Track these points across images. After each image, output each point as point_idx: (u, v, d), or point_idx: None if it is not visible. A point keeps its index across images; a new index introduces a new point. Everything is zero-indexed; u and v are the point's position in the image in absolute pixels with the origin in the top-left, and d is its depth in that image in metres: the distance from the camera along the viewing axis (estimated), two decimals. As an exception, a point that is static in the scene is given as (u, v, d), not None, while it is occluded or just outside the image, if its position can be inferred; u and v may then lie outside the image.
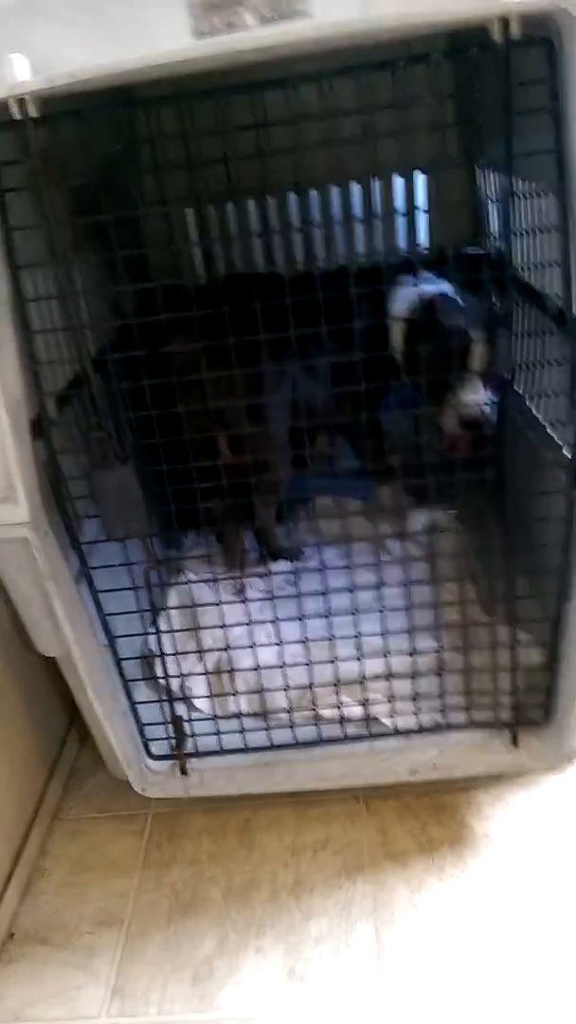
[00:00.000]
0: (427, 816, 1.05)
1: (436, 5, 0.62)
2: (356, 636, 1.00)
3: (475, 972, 0.86)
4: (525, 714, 1.03)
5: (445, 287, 1.19)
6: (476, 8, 0.63)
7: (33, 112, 0.72)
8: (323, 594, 1.01)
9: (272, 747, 1.08)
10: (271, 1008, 0.86)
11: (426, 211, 1.48)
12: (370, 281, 0.98)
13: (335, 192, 1.38)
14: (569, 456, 0.94)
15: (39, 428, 0.90)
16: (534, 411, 1.12)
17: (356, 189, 1.47)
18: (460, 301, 1.17)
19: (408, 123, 0.74)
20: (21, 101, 0.71)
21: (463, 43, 0.72)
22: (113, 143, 0.79)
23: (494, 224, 1.35)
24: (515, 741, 1.03)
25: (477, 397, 1.13)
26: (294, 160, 0.75)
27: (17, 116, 0.72)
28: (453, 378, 1.14)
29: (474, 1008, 0.83)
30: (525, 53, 0.67)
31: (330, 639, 1.00)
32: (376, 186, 1.50)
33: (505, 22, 0.63)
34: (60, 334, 0.93)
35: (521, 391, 1.18)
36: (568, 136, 0.72)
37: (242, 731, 1.07)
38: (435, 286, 1.20)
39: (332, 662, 1.02)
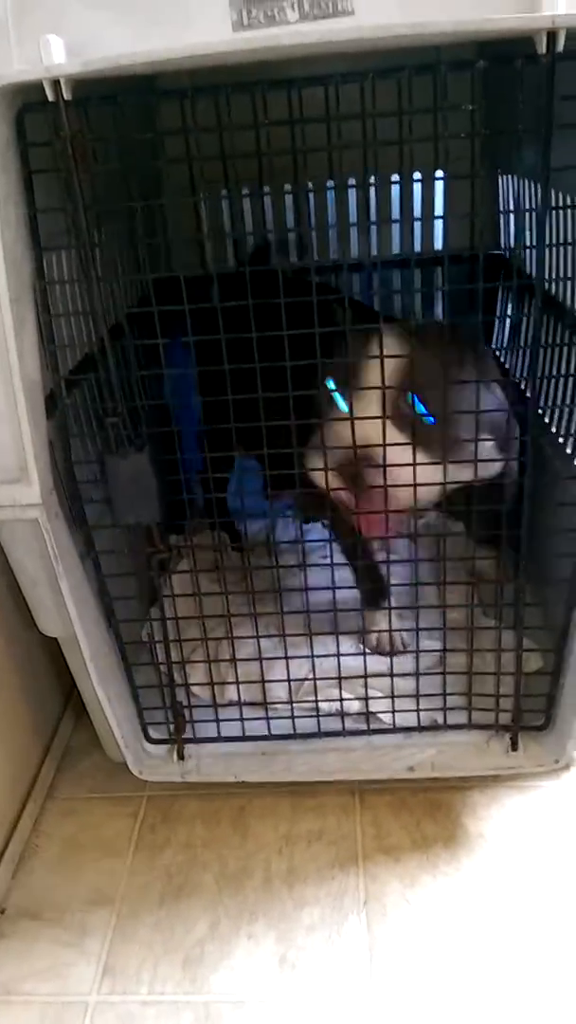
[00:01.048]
0: (422, 813, 1.06)
1: (484, 14, 0.61)
2: (360, 632, 1.01)
3: (465, 968, 0.88)
4: (526, 719, 1.04)
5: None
6: (525, 21, 0.62)
7: (67, 94, 0.71)
8: (331, 589, 1.01)
9: (271, 737, 1.08)
10: (262, 993, 0.88)
11: (440, 217, 1.48)
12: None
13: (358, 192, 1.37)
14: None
15: (52, 410, 0.90)
16: (548, 422, 1.12)
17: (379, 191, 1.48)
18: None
19: (442, 129, 0.73)
20: (56, 83, 0.71)
21: (498, 52, 0.71)
22: (141, 131, 0.78)
23: (512, 235, 1.35)
24: (514, 745, 1.04)
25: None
26: (327, 158, 0.75)
27: (51, 98, 0.71)
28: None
29: (463, 1002, 0.85)
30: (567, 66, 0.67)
31: (335, 633, 1.01)
32: (400, 189, 1.51)
33: (552, 35, 0.63)
34: (73, 317, 0.93)
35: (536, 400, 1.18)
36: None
37: (241, 719, 1.08)
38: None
39: (336, 656, 1.03)
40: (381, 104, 0.73)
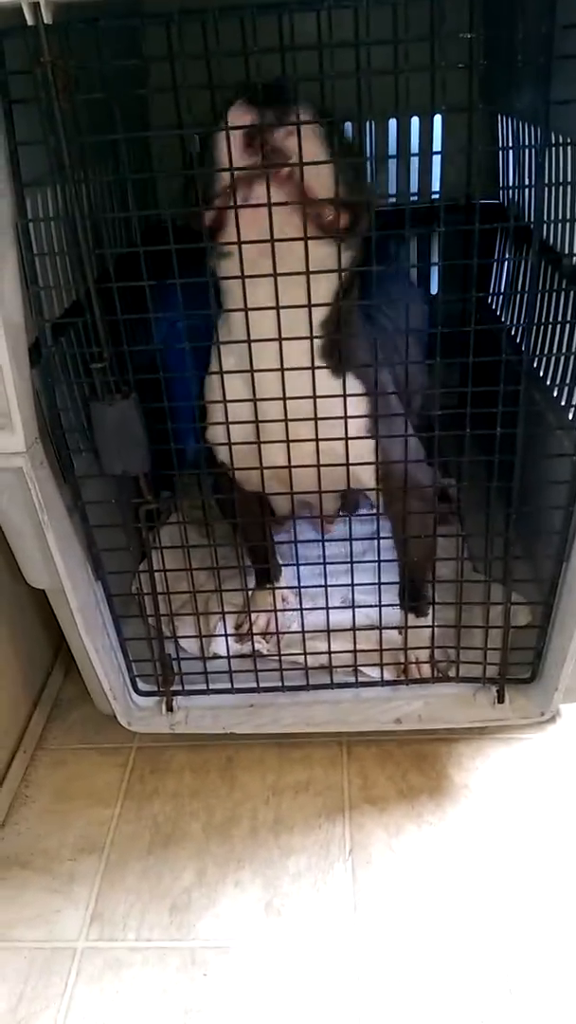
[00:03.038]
0: (408, 764, 1.07)
1: None
2: (350, 585, 1.00)
3: (448, 914, 0.89)
4: (512, 672, 1.04)
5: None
6: None
7: (47, 18, 0.68)
8: (319, 541, 1.00)
9: (259, 689, 1.08)
10: (248, 939, 0.89)
11: (437, 153, 1.44)
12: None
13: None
14: (572, 419, 0.93)
15: (37, 355, 0.88)
16: (540, 372, 1.11)
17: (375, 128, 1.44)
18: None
19: (439, 58, 0.70)
20: (35, 5, 0.67)
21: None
22: (125, 58, 0.74)
23: (512, 175, 1.31)
24: (501, 697, 1.04)
25: None
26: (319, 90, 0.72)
27: (30, 21, 0.68)
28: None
29: (445, 947, 0.86)
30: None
31: (324, 586, 1.00)
32: (396, 127, 1.47)
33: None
34: (60, 260, 0.91)
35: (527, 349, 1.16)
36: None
37: (229, 672, 1.07)
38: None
39: (324, 609, 1.02)
40: (376, 32, 0.69)
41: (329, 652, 1.05)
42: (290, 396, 0.89)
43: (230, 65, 0.72)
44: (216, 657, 1.10)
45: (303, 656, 1.06)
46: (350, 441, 0.91)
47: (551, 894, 0.90)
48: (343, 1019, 0.80)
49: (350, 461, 0.92)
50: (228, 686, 1.08)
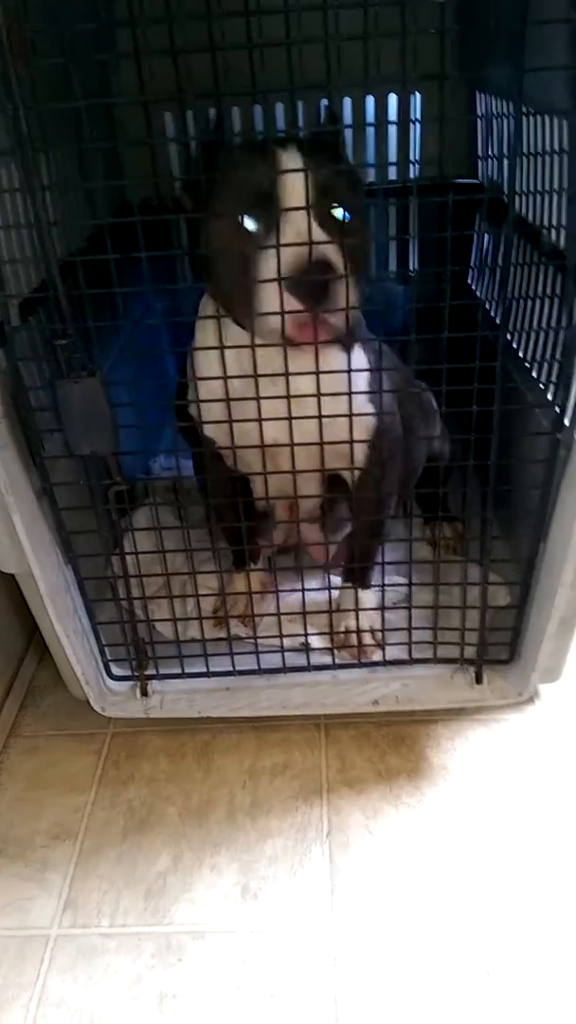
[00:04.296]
0: (387, 746, 1.06)
1: None
2: (326, 567, 0.98)
3: (425, 895, 0.88)
4: (490, 652, 1.03)
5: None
6: None
7: (0, -22, 0.65)
8: (295, 522, 0.99)
9: (235, 673, 1.07)
10: (223, 923, 0.88)
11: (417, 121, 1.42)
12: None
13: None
14: (551, 397, 0.92)
15: (1, 334, 0.86)
16: (517, 348, 1.09)
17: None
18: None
19: (410, 24, 0.68)
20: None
21: None
22: (88, 22, 0.71)
23: (491, 147, 1.29)
24: (479, 678, 1.03)
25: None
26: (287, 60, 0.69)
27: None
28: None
29: (422, 928, 0.85)
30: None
31: (300, 568, 0.99)
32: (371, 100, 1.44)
33: None
34: (26, 233, 0.88)
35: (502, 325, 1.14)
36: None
37: (204, 655, 1.06)
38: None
39: (300, 591, 1.01)
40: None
41: (305, 634, 1.04)
42: (295, 372, 0.86)
43: (195, 28, 0.69)
44: (192, 640, 1.08)
45: (279, 639, 1.05)
46: (350, 417, 0.90)
47: (529, 875, 0.90)
48: (320, 1003, 0.80)
49: (345, 439, 0.91)
50: (204, 669, 1.07)
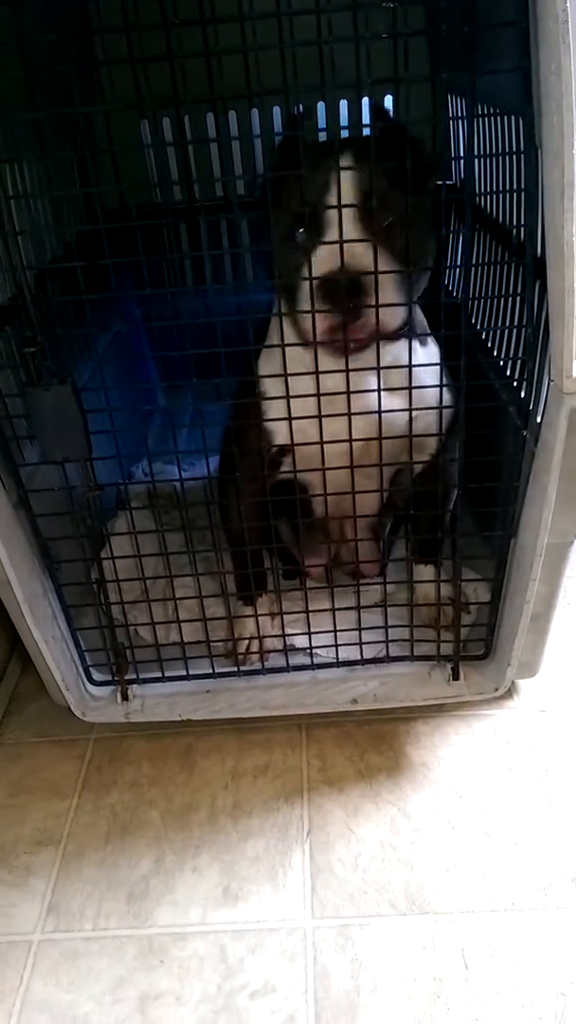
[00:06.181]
0: (367, 744, 1.07)
1: None
2: (303, 567, 0.99)
3: (404, 890, 0.89)
4: (467, 649, 1.04)
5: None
6: None
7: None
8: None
9: (215, 675, 1.08)
10: (205, 924, 0.88)
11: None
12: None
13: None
14: (523, 394, 0.92)
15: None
16: (489, 345, 1.10)
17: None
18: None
19: (363, 29, 0.69)
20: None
21: None
22: (61, 31, 0.72)
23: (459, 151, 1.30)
24: (456, 674, 1.04)
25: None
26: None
27: None
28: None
29: (402, 923, 0.86)
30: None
31: (274, 570, 0.99)
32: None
33: None
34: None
35: (477, 323, 1.16)
36: (537, 54, 0.68)
37: (184, 658, 1.06)
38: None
39: (276, 592, 1.01)
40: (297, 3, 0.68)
41: (284, 635, 1.05)
42: (385, 366, 0.86)
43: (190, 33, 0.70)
44: (172, 644, 1.09)
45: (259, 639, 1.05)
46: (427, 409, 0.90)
47: (510, 869, 0.91)
48: (300, 1001, 0.80)
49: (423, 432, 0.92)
50: (183, 673, 1.07)
